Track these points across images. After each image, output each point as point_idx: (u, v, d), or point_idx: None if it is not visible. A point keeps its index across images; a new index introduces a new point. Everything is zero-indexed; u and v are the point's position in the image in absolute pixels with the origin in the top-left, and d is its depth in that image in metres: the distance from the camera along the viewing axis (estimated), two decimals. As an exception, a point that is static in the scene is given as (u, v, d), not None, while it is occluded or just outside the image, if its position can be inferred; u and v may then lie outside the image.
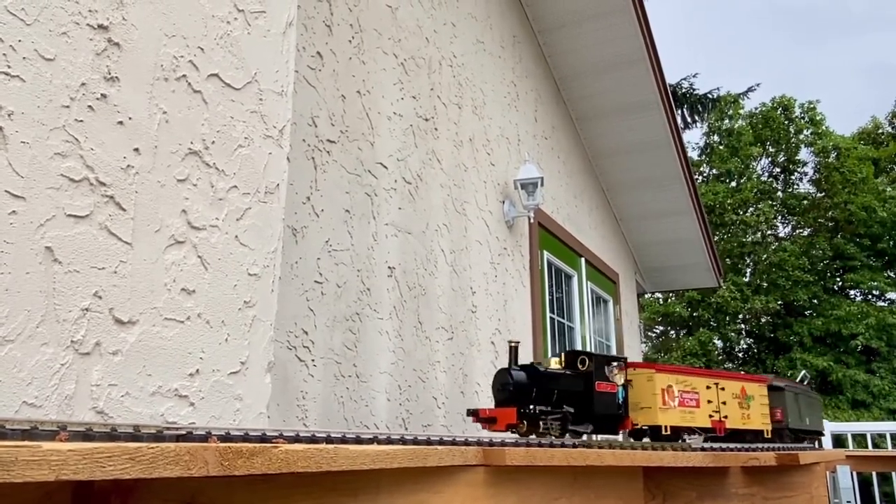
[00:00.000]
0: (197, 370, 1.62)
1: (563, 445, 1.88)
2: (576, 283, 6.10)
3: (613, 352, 6.99)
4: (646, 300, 18.54)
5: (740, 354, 19.67)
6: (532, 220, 4.88)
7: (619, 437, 2.33)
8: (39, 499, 0.88)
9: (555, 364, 2.14)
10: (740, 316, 18.96)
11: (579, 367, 2.14)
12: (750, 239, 19.47)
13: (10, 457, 0.72)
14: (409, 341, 3.29)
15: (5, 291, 1.29)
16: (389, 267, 3.22)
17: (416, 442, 1.47)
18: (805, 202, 19.85)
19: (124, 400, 1.46)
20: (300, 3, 2.47)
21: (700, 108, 14.98)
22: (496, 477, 1.60)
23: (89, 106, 1.46)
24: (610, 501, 2.06)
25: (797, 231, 20.13)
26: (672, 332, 20.54)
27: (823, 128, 19.93)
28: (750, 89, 18.52)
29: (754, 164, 20.64)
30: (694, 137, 26.00)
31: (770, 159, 20.90)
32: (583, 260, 6.23)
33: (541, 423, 1.93)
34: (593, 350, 6.26)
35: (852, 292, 18.75)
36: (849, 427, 6.91)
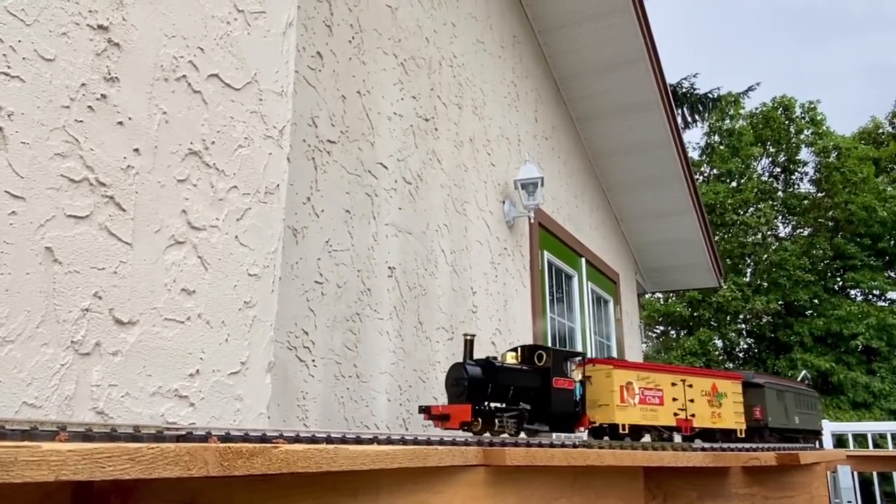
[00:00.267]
0: (197, 370, 1.62)
1: (563, 445, 1.88)
2: (576, 284, 6.10)
3: (614, 352, 6.99)
4: (646, 300, 18.53)
5: (741, 354, 19.66)
6: (532, 221, 4.88)
7: (584, 436, 2.25)
8: (39, 499, 0.88)
9: (511, 359, 2.06)
10: (741, 316, 18.96)
11: (536, 362, 2.06)
12: (750, 239, 19.47)
13: (10, 457, 0.72)
14: (409, 341, 3.29)
15: (5, 292, 1.29)
16: (390, 267, 3.21)
17: (416, 442, 1.47)
18: (806, 202, 19.84)
19: (124, 400, 1.46)
20: (300, 3, 2.47)
21: (700, 108, 14.99)
22: (496, 477, 1.60)
23: (89, 106, 1.46)
24: (610, 501, 2.06)
25: (798, 231, 20.12)
26: (672, 332, 20.54)
27: (824, 128, 19.93)
28: (750, 89, 18.54)
29: (755, 163, 20.64)
30: (694, 137, 26.04)
31: (770, 159, 20.89)
32: (583, 260, 6.22)
33: (496, 420, 1.85)
34: (593, 351, 6.27)
35: (853, 292, 18.75)
36: (850, 427, 6.90)
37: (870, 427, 7.27)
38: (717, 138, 20.88)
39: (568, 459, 1.75)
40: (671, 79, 14.72)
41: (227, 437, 1.08)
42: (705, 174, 21.03)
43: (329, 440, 1.25)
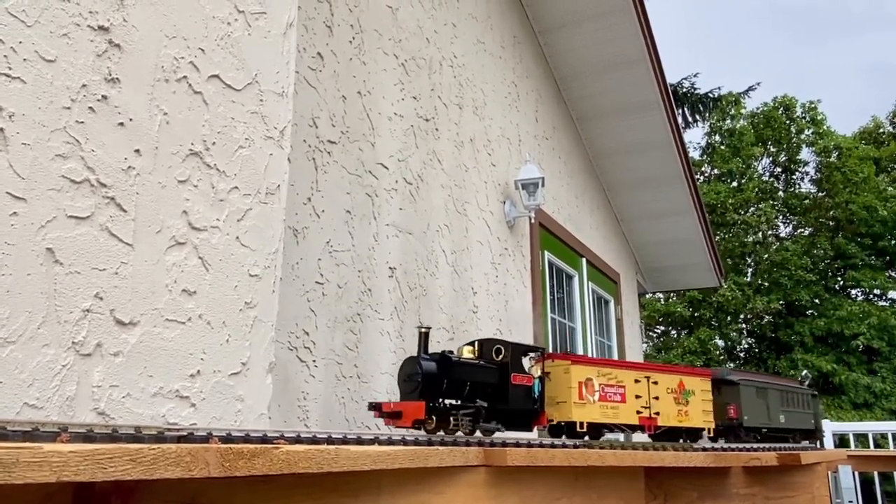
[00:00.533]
0: (198, 371, 1.62)
1: (563, 446, 1.88)
2: (577, 284, 6.10)
3: (615, 352, 6.99)
4: (646, 300, 18.53)
5: (741, 354, 19.65)
6: (533, 221, 4.88)
7: (535, 434, 2.13)
8: (40, 500, 0.88)
9: (468, 353, 1.95)
10: (741, 315, 18.95)
11: (494, 356, 1.96)
12: (751, 239, 19.46)
13: (12, 458, 0.72)
14: (410, 342, 3.29)
15: (6, 293, 1.29)
16: (390, 267, 3.22)
17: (417, 443, 1.47)
18: (806, 202, 19.83)
19: (125, 401, 1.46)
20: (300, 3, 2.47)
21: (701, 108, 14.99)
22: (497, 477, 1.60)
23: (90, 107, 1.47)
24: (611, 502, 2.06)
25: (798, 231, 20.12)
26: (673, 331, 20.53)
27: (825, 127, 19.91)
28: (750, 89, 18.54)
29: (756, 163, 20.63)
30: (695, 137, 26.01)
31: (771, 159, 20.88)
32: (584, 260, 6.22)
33: (451, 418, 1.75)
34: (594, 351, 6.26)
35: (854, 291, 18.74)
36: (851, 427, 6.90)
37: (871, 427, 7.28)
38: (717, 138, 20.87)
39: (569, 459, 1.75)
40: (672, 79, 14.72)
41: (228, 438, 1.08)
42: (706, 174, 21.02)
43: (330, 441, 1.25)
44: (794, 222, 20.31)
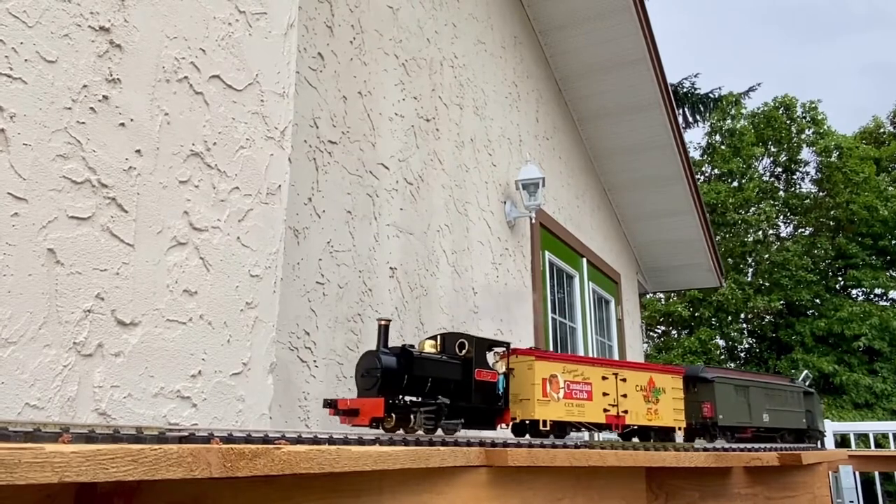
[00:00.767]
0: (199, 371, 1.62)
1: (564, 446, 1.88)
2: (577, 284, 6.10)
3: (615, 352, 6.99)
4: (647, 300, 18.53)
5: (742, 354, 19.65)
6: (533, 221, 4.88)
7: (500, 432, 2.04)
8: (42, 500, 0.88)
9: (430, 348, 1.86)
10: (742, 315, 18.95)
11: (458, 351, 1.87)
12: (752, 238, 19.46)
13: (13, 459, 0.72)
14: (410, 342, 3.29)
15: (8, 293, 1.29)
16: (391, 268, 3.22)
17: (418, 443, 1.47)
18: (807, 202, 19.83)
19: (127, 401, 1.46)
20: (301, 4, 2.48)
21: (701, 108, 14.97)
22: (498, 477, 1.60)
23: (91, 108, 1.47)
24: (613, 502, 2.06)
25: (799, 231, 20.11)
26: (674, 331, 20.53)
27: (825, 127, 19.91)
28: (751, 89, 18.51)
29: (756, 163, 20.63)
30: (696, 137, 26.04)
31: (772, 159, 20.87)
32: (584, 260, 6.22)
33: (412, 416, 1.67)
34: (594, 351, 6.26)
35: (854, 292, 18.73)
36: (851, 427, 6.90)
37: (872, 427, 7.28)
38: (718, 138, 20.87)
39: (570, 460, 1.75)
40: (672, 79, 14.73)
41: (229, 439, 1.08)
42: (706, 174, 21.02)
43: (331, 441, 1.25)
44: (795, 222, 20.31)
